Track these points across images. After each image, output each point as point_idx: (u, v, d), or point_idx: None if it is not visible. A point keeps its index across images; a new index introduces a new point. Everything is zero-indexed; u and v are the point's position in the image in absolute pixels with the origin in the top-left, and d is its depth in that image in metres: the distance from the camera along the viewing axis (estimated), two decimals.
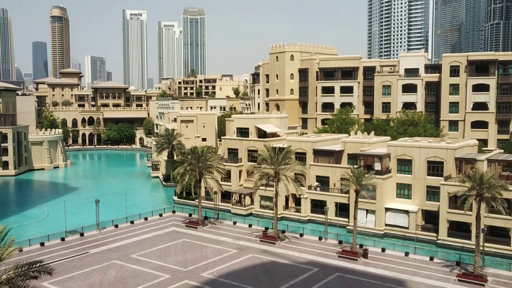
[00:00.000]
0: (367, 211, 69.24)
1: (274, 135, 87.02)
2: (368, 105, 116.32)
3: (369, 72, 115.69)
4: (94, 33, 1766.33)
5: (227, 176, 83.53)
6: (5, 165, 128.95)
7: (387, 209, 68.52)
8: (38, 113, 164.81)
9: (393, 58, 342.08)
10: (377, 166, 68.66)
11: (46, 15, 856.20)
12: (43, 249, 59.86)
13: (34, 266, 29.04)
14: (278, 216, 69.34)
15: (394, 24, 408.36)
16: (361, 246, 58.30)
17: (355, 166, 68.14)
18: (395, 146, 70.92)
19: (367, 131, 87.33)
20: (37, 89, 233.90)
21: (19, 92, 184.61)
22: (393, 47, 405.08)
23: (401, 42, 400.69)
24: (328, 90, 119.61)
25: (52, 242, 62.57)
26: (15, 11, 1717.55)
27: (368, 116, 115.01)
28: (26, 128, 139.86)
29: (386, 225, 68.59)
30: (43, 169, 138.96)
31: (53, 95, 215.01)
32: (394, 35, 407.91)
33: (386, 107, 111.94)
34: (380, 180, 66.49)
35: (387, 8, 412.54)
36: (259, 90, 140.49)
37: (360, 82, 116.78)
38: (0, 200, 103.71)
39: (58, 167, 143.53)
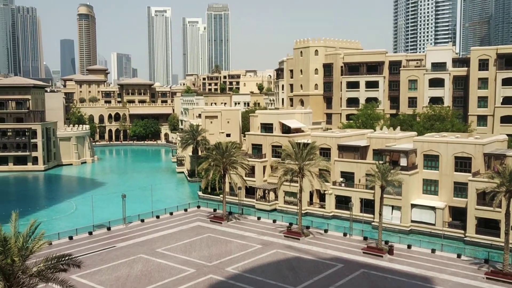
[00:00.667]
0: (393, 207, 68.47)
1: (298, 130, 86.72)
2: (394, 100, 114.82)
3: (395, 66, 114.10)
4: (120, 30, 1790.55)
5: (251, 172, 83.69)
6: (35, 160, 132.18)
7: (413, 206, 67.62)
8: (66, 110, 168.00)
9: (420, 52, 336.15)
10: (403, 162, 67.77)
11: (73, 13, 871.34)
12: (71, 242, 61.22)
13: (63, 259, 29.65)
14: (303, 211, 69.28)
15: (420, 17, 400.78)
16: (386, 242, 57.73)
17: (381, 162, 67.35)
18: (422, 142, 69.83)
19: (392, 127, 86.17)
20: (65, 86, 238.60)
21: (48, 89, 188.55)
22: (420, 41, 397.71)
23: (428, 36, 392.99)
24: (353, 85, 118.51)
25: (80, 236, 63.93)
26: (43, 10, 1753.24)
27: (393, 111, 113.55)
28: (54, 124, 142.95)
29: (412, 221, 67.70)
30: (71, 164, 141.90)
31: (80, 91, 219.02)
32: (420, 29, 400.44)
33: (412, 102, 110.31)
34: (406, 176, 65.64)
35: (413, 1, 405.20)
36: (283, 86, 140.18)
37: (385, 76, 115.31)
38: (31, 194, 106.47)
39: (85, 162, 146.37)
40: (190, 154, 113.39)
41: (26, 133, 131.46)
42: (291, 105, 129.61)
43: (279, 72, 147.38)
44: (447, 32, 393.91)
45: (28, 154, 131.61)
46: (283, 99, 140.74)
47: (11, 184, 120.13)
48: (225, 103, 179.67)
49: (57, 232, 63.70)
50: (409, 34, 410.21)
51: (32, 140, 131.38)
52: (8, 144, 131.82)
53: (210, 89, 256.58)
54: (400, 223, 67.99)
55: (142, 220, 71.67)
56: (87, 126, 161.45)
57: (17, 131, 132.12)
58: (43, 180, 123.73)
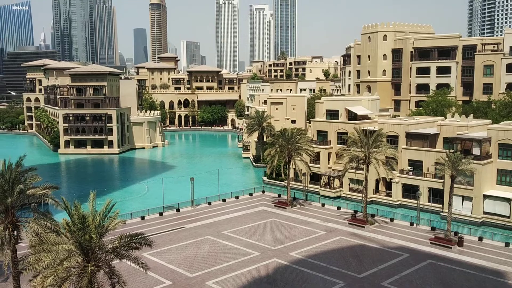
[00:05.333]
0: (464, 197, 65.94)
1: (364, 117, 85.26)
2: (467, 86, 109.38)
3: (469, 51, 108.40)
4: (189, 19, 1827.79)
5: (316, 158, 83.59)
6: (110, 144, 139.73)
7: (485, 196, 64.74)
8: (139, 96, 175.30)
9: (497, 35, 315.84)
10: (476, 151, 64.92)
11: (145, 3, 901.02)
12: (143, 222, 64.59)
13: (136, 238, 31.43)
14: (368, 199, 68.51)
15: None
16: (456, 233, 55.95)
17: (451, 151, 64.95)
18: (497, 130, 66.39)
19: (465, 114, 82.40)
20: (138, 73, 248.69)
21: (122, 76, 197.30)
22: (497, 23, 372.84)
23: (506, 18, 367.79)
24: (423, 71, 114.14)
25: (151, 216, 67.27)
26: (118, 0, 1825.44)
27: (466, 98, 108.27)
28: (128, 110, 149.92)
29: (484, 213, 64.91)
30: (143, 148, 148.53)
31: (152, 78, 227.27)
32: (498, 11, 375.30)
33: (487, 88, 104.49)
34: (479, 165, 62.90)
35: None
36: (349, 72, 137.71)
37: (458, 62, 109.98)
38: (106, 176, 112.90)
39: (156, 146, 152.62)
40: (256, 140, 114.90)
41: (103, 118, 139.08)
42: (358, 92, 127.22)
43: (346, 58, 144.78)
44: None
45: (104, 138, 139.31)
46: (349, 85, 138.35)
47: (89, 165, 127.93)
48: (290, 90, 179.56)
49: (130, 212, 67.44)
50: (485, 17, 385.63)
51: (108, 125, 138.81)
52: (86, 128, 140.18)
53: (276, 76, 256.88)
54: (471, 214, 65.42)
55: (209, 203, 74.05)
56: (158, 112, 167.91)
57: (94, 116, 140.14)
58: (117, 163, 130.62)
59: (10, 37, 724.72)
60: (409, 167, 74.39)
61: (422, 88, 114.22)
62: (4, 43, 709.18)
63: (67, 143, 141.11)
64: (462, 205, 66.19)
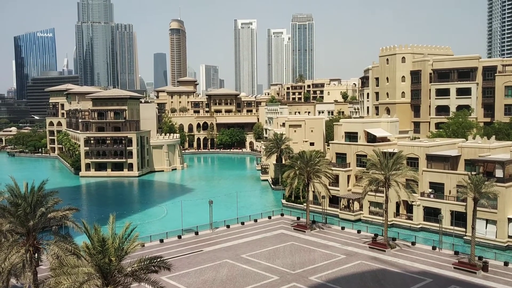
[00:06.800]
0: (487, 221, 64.43)
1: (384, 139, 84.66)
2: (488, 108, 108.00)
3: (489, 72, 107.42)
4: (208, 43, 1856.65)
5: (335, 181, 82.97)
6: (130, 167, 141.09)
7: (510, 220, 63.16)
8: (158, 119, 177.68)
9: None
10: (499, 173, 63.65)
11: (165, 28, 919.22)
12: (162, 245, 64.59)
13: (155, 261, 31.44)
14: (389, 223, 67.47)
15: None
16: (480, 258, 54.51)
17: (473, 173, 63.86)
18: None
19: (486, 136, 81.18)
20: (157, 96, 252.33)
21: (142, 100, 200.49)
22: None
23: None
24: (443, 93, 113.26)
25: (170, 239, 67.27)
26: (139, 26, 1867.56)
27: (488, 120, 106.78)
28: (148, 133, 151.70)
29: (510, 237, 63.20)
30: (163, 171, 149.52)
31: (172, 102, 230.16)
32: None
33: (509, 109, 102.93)
34: (502, 188, 61.61)
35: (510, 2, 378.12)
36: (368, 94, 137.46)
37: (478, 83, 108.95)
38: (126, 198, 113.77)
39: (175, 169, 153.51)
40: (274, 162, 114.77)
41: (123, 141, 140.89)
42: (377, 114, 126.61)
43: (364, 80, 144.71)
44: None
45: (124, 161, 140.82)
46: (368, 107, 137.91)
47: (109, 188, 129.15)
48: (308, 112, 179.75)
49: (149, 235, 67.54)
50: (505, 38, 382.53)
51: (128, 148, 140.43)
52: (107, 152, 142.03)
53: (294, 98, 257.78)
54: (495, 238, 63.77)
55: (228, 226, 73.79)
56: (178, 135, 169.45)
57: (115, 139, 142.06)
58: (137, 185, 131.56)
59: (34, 62, 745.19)
60: (430, 190, 73.22)
61: (442, 110, 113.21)
62: (28, 69, 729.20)
63: (88, 166, 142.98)
64: (486, 228, 64.65)
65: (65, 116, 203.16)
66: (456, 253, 58.68)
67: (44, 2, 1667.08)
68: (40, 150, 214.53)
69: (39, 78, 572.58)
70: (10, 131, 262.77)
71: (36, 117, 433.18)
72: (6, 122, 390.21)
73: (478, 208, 55.63)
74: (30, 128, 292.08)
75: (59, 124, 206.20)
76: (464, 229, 66.86)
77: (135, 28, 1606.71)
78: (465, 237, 65.69)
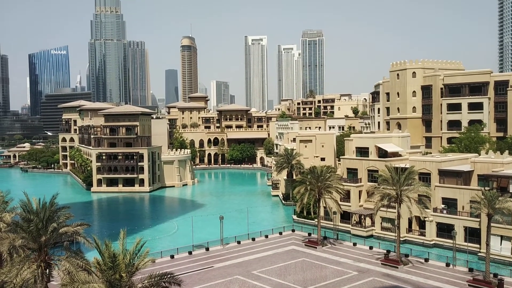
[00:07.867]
0: (502, 237, 63.38)
1: (395, 154, 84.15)
2: (501, 123, 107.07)
3: (501, 86, 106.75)
4: (219, 59, 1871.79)
5: (347, 196, 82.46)
6: (141, 182, 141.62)
7: None
8: (170, 135, 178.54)
9: None
10: None
11: (177, 45, 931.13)
12: (172, 261, 64.41)
13: (165, 277, 31.41)
14: (401, 239, 66.71)
15: None
16: (495, 275, 53.55)
17: (487, 188, 63.09)
18: None
19: (500, 151, 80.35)
20: (169, 112, 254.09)
21: (154, 116, 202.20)
22: None
23: None
24: (455, 107, 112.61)
25: (180, 255, 67.09)
26: (151, 43, 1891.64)
27: (500, 134, 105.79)
28: (159, 148, 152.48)
29: None
30: (174, 186, 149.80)
31: (183, 118, 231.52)
32: None
33: None
34: None
35: None
36: (379, 109, 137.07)
37: (490, 97, 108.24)
38: (137, 214, 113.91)
39: (186, 184, 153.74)
40: (285, 177, 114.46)
41: (134, 157, 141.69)
42: (388, 129, 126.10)
43: (375, 95, 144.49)
44: None
45: (135, 177, 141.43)
46: (379, 122, 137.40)
47: (120, 204, 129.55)
48: (319, 127, 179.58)
49: (160, 251, 67.46)
50: None
51: (139, 164, 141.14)
52: (119, 167, 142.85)
53: (304, 114, 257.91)
54: (510, 254, 62.66)
55: (239, 242, 73.45)
56: (188, 151, 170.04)
57: (126, 155, 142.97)
58: (148, 201, 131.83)
59: (48, 79, 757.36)
60: (443, 205, 72.40)
61: (454, 125, 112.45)
62: (42, 86, 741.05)
63: (99, 182, 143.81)
64: (500, 245, 63.58)
65: (77, 132, 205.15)
66: (471, 270, 57.73)
67: (58, 20, 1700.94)
68: (52, 166, 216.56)
69: (53, 95, 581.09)
70: (24, 147, 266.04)
71: (49, 133, 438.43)
72: (20, 138, 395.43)
73: (492, 224, 54.85)
74: (43, 144, 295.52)
75: (72, 140, 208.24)
76: (478, 246, 65.86)
77: (147, 45, 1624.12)
78: (479, 254, 64.66)
